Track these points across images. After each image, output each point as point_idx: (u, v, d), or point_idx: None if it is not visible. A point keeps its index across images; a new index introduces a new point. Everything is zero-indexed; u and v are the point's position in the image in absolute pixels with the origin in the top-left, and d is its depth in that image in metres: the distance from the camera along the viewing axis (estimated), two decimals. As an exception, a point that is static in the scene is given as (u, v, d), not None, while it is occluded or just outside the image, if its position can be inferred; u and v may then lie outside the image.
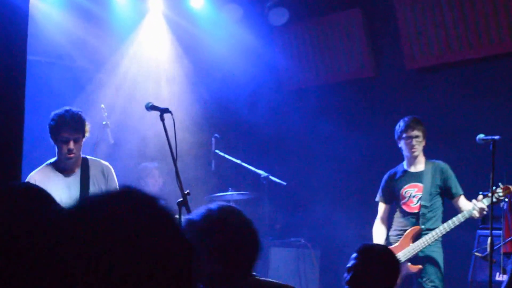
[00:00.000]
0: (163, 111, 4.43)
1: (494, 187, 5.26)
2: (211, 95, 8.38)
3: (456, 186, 5.69)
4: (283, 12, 7.96)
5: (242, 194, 7.22)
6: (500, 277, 5.47)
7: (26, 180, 4.78)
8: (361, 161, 7.54)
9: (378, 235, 5.98)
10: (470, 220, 5.58)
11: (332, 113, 7.96)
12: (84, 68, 7.61)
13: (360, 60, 7.73)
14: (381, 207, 6.05)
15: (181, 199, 4.12)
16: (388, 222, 6.02)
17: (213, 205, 2.68)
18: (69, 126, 4.73)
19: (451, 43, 6.85)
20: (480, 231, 5.76)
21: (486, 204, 5.32)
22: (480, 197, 5.39)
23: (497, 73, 6.73)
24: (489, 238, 4.97)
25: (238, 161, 7.19)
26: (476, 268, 5.73)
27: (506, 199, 5.32)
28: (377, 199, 6.07)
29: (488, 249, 4.98)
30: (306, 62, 8.20)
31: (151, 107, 4.54)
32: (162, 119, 4.38)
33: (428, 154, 5.95)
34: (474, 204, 5.38)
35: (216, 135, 7.44)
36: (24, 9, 4.20)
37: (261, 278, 2.72)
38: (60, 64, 7.35)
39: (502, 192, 5.29)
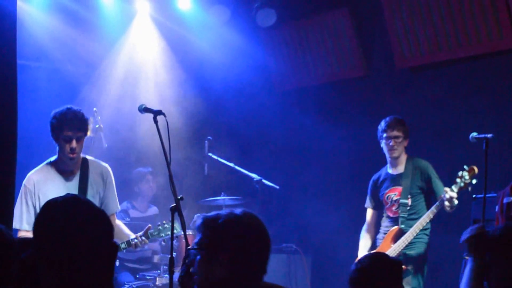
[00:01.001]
0: (157, 113, 4.37)
1: (460, 172, 5.26)
2: (201, 97, 8.34)
3: (437, 185, 5.60)
4: (271, 13, 7.91)
5: (234, 199, 7.17)
6: None
7: (25, 180, 4.77)
8: (353, 163, 7.52)
9: (363, 241, 5.94)
10: (461, 224, 5.52)
11: (323, 113, 7.94)
12: (73, 71, 7.55)
13: (350, 60, 7.71)
14: (369, 212, 6.01)
15: (174, 204, 4.03)
16: (377, 228, 5.96)
17: (237, 210, 2.69)
18: (72, 125, 4.68)
19: (440, 42, 6.83)
20: None
21: (455, 190, 5.26)
22: (447, 188, 5.34)
23: (487, 72, 6.71)
24: None
25: (231, 165, 7.11)
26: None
27: (474, 181, 5.23)
28: (365, 205, 6.05)
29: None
30: (295, 63, 8.17)
31: (144, 109, 4.48)
32: (156, 121, 4.32)
33: (420, 153, 5.92)
34: (444, 194, 5.30)
35: (209, 137, 7.38)
36: (12, 12, 4.15)
37: (266, 281, 2.74)
38: (49, 68, 7.31)
39: (468, 174, 5.25)
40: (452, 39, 6.74)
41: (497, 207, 5.34)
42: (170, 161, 4.17)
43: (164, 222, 5.52)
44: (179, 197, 4.05)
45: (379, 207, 5.93)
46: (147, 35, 8.08)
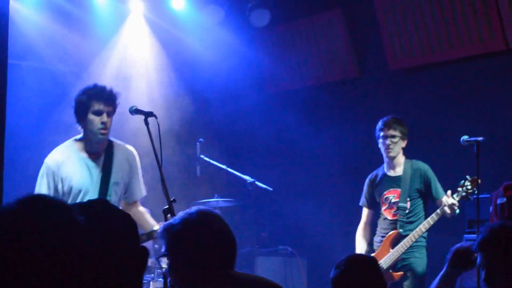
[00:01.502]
0: (148, 114, 4.30)
1: (462, 181, 5.22)
2: (193, 98, 8.31)
3: (436, 188, 5.57)
4: (265, 13, 7.91)
5: (228, 201, 7.13)
6: None
7: (48, 160, 4.57)
8: (347, 164, 7.50)
9: (360, 241, 5.88)
10: (456, 225, 5.53)
11: (315, 115, 7.95)
12: (64, 71, 7.49)
13: (343, 61, 7.71)
14: (365, 212, 5.94)
15: (167, 206, 3.98)
16: (373, 227, 5.91)
17: (192, 209, 2.77)
18: (103, 98, 4.55)
19: (432, 43, 6.86)
20: (466, 235, 5.65)
21: (457, 199, 5.23)
22: (449, 192, 5.30)
23: (478, 73, 6.72)
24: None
25: (224, 167, 7.11)
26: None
27: (476, 192, 5.20)
28: (360, 203, 5.97)
29: (475, 254, 4.89)
30: (288, 64, 8.17)
31: (135, 111, 4.40)
32: (147, 123, 4.25)
33: (412, 154, 5.88)
34: (445, 201, 5.27)
35: (201, 139, 7.35)
36: (4, 12, 4.10)
37: (238, 272, 2.82)
38: (39, 67, 7.25)
39: (471, 184, 5.21)
40: (444, 41, 6.77)
41: (491, 208, 5.36)
42: (161, 163, 4.10)
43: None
44: (171, 199, 3.99)
45: (374, 206, 5.88)
46: (140, 35, 8.03)
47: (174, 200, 4.00)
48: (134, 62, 7.99)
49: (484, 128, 5.78)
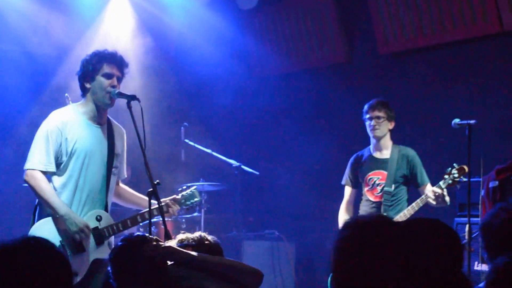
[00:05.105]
0: (130, 98, 4.22)
1: (449, 168, 5.21)
2: (180, 82, 8.26)
3: (422, 175, 5.54)
4: (252, -5, 7.84)
5: (214, 185, 7.12)
6: (479, 266, 5.42)
7: (49, 120, 4.39)
8: (335, 148, 7.47)
9: (345, 219, 5.76)
10: (447, 208, 5.49)
11: (305, 99, 7.93)
12: (48, 55, 7.42)
13: (332, 45, 7.66)
14: (348, 190, 5.89)
15: (151, 189, 3.93)
16: (355, 207, 5.86)
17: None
18: (115, 61, 4.39)
19: (424, 27, 6.85)
20: (457, 219, 5.71)
21: (443, 186, 5.20)
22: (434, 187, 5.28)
23: (471, 56, 6.72)
24: (467, 226, 4.86)
25: (209, 151, 7.10)
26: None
27: (465, 179, 5.16)
28: (343, 182, 5.91)
29: (466, 237, 4.88)
30: (276, 48, 8.11)
31: (117, 94, 4.33)
32: (129, 107, 4.17)
33: (403, 139, 5.87)
34: (432, 190, 5.24)
35: (185, 124, 7.33)
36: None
37: None
38: (20, 51, 7.19)
39: (458, 172, 5.19)
40: (437, 24, 6.75)
41: (482, 191, 5.38)
42: (145, 146, 4.04)
43: (188, 185, 4.80)
44: (155, 182, 3.94)
45: (357, 185, 5.85)
46: (123, 17, 7.95)
47: (158, 183, 3.96)
48: (117, 45, 7.85)
49: (476, 112, 5.80)
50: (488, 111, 6.30)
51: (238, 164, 6.97)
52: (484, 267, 5.37)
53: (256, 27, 8.20)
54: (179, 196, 4.62)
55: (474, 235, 5.07)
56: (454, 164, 5.21)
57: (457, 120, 5.03)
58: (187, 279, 3.07)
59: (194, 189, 4.73)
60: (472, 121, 4.94)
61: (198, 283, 3.06)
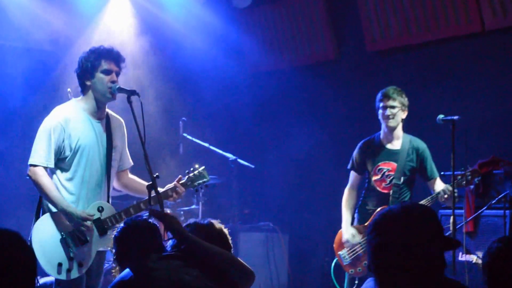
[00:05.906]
0: (130, 93, 4.30)
1: (463, 170, 5.24)
2: (177, 78, 8.32)
3: (432, 169, 5.57)
4: (246, -5, 7.95)
5: (210, 178, 7.14)
6: (463, 257, 5.46)
7: (52, 116, 4.44)
8: (327, 142, 7.58)
9: (347, 214, 5.71)
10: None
11: (296, 94, 8.02)
12: (49, 51, 7.48)
13: (321, 43, 7.78)
14: (353, 175, 5.78)
15: (150, 182, 4.01)
16: (359, 192, 5.78)
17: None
18: (112, 57, 4.45)
19: (410, 25, 6.95)
20: (442, 211, 5.70)
21: (455, 186, 5.19)
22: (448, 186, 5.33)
23: (455, 55, 6.80)
24: (451, 218, 4.91)
25: (206, 145, 7.15)
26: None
27: (476, 181, 5.32)
28: (348, 167, 5.80)
29: (451, 229, 4.92)
30: (269, 45, 8.23)
31: (118, 89, 4.40)
32: (130, 102, 4.24)
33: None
34: (446, 188, 5.28)
35: (183, 118, 7.39)
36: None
37: None
38: (24, 47, 7.23)
39: (471, 175, 5.27)
40: (422, 23, 6.87)
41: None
42: (144, 140, 4.09)
43: (196, 166, 4.70)
44: (155, 175, 4.00)
45: (363, 172, 5.74)
46: (124, 16, 7.99)
47: (157, 176, 4.02)
48: (116, 42, 7.98)
49: (459, 109, 5.80)
50: (471, 108, 6.36)
51: (234, 157, 7.01)
52: (468, 258, 5.48)
53: (250, 25, 8.31)
54: (184, 180, 4.60)
55: (458, 226, 5.13)
56: (468, 166, 5.28)
57: (441, 116, 5.07)
58: (165, 270, 3.07)
59: (203, 169, 4.70)
60: (455, 117, 4.98)
61: (177, 276, 3.05)
